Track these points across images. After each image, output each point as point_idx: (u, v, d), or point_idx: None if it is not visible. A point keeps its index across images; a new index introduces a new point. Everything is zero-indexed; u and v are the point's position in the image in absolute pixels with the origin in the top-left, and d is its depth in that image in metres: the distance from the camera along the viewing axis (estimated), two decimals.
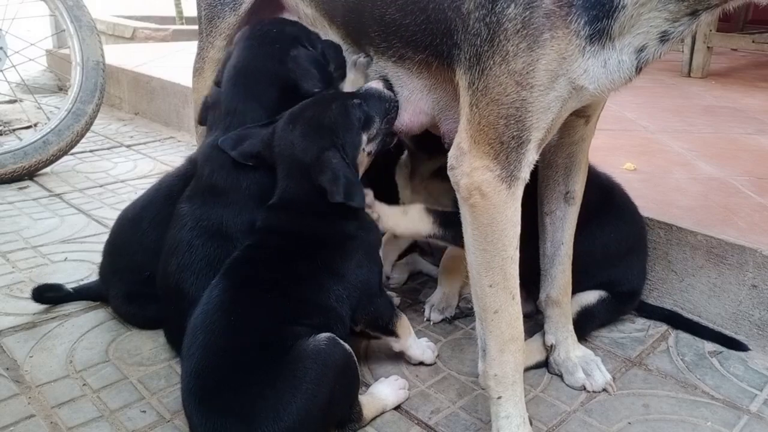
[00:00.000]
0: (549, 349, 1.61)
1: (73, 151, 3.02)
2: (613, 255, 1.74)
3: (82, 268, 2.07)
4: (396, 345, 1.55)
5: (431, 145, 1.68)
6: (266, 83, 1.60)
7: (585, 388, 1.55)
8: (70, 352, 1.64)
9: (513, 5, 1.12)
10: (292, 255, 1.40)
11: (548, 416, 1.46)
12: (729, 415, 1.47)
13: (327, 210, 1.41)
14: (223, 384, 1.21)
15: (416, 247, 2.12)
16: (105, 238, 1.80)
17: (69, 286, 1.84)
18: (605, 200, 1.74)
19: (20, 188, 2.78)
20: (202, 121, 1.79)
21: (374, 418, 1.42)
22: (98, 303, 1.84)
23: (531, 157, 1.20)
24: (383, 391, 1.46)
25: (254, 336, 1.26)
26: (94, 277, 1.87)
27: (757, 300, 1.72)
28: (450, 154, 1.27)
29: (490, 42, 1.15)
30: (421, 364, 1.61)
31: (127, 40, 5.93)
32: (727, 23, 5.21)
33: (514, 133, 1.16)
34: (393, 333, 1.52)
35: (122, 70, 4.21)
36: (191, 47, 1.99)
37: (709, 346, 1.74)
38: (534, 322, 1.71)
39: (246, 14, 1.79)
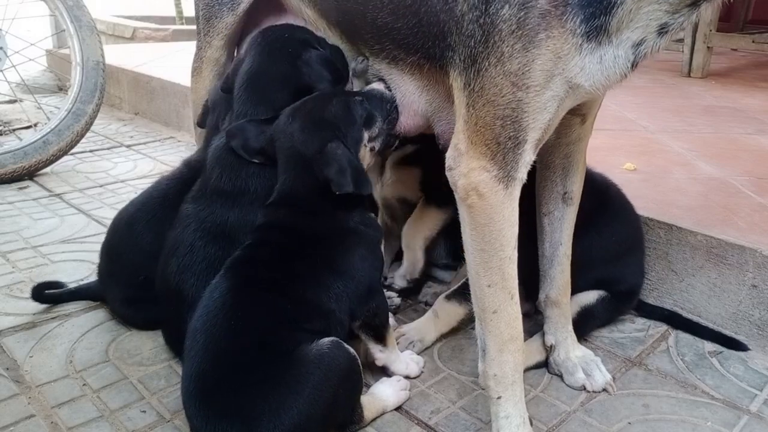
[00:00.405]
0: (549, 350, 1.61)
1: (73, 151, 3.02)
2: (611, 254, 1.74)
3: (82, 268, 2.07)
4: (381, 356, 1.51)
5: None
6: (279, 87, 1.59)
7: (585, 388, 1.55)
8: (70, 352, 1.64)
9: (507, 6, 1.11)
10: (292, 251, 1.38)
11: (548, 416, 1.46)
12: (729, 415, 1.47)
13: (327, 204, 1.40)
14: (224, 386, 1.20)
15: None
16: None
17: (69, 286, 1.84)
18: (601, 200, 1.74)
19: (20, 188, 2.78)
20: (201, 123, 1.79)
21: (374, 419, 1.42)
22: (98, 303, 1.84)
23: (528, 157, 1.20)
24: (385, 392, 1.46)
25: (256, 338, 1.25)
26: (94, 277, 1.87)
27: (757, 300, 1.72)
28: (447, 155, 1.27)
29: (485, 43, 1.15)
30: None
31: (127, 40, 5.93)
32: (727, 23, 5.21)
33: (511, 134, 1.16)
34: (383, 339, 1.49)
35: (122, 70, 4.21)
36: (191, 47, 1.99)
37: (709, 346, 1.74)
38: (534, 322, 1.71)
39: (244, 14, 1.79)
